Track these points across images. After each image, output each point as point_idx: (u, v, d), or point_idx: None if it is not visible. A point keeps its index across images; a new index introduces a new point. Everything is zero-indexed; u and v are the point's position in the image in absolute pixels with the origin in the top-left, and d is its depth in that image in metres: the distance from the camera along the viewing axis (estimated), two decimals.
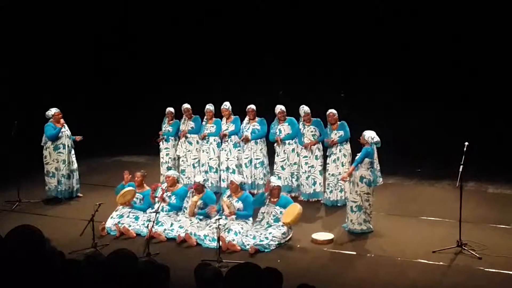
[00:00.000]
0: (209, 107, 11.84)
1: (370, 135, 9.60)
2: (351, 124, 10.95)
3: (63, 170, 11.52)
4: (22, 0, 14.55)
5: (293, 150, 11.30)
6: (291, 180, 11.33)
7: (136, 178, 10.41)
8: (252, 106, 11.56)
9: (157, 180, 11.79)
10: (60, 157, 11.50)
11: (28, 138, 12.07)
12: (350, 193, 9.79)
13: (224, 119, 11.71)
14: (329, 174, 11.00)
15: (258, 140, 11.49)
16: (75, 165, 11.70)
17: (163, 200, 10.08)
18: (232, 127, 11.60)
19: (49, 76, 15.08)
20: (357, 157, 9.63)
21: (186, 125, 11.88)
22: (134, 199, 10.29)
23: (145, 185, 10.50)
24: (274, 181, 9.78)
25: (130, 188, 10.25)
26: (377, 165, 9.66)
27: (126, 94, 16.18)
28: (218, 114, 11.85)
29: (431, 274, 8.23)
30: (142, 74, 16.10)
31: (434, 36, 13.52)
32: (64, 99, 13.64)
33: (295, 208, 9.34)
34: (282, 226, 9.35)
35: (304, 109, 11.15)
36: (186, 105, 11.96)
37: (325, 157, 11.15)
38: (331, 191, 11.01)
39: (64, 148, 11.51)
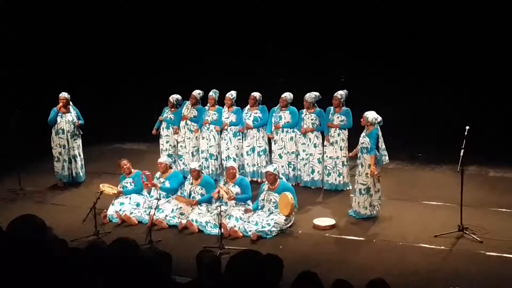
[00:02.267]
0: (212, 94, 11.79)
1: (373, 116, 9.57)
2: (351, 108, 10.95)
3: (64, 155, 11.62)
4: None
5: (291, 138, 11.28)
6: (288, 169, 11.33)
7: (124, 167, 10.43)
8: (254, 94, 11.51)
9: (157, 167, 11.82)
10: (60, 142, 11.59)
11: (29, 126, 12.06)
12: (359, 175, 9.72)
13: (225, 108, 11.66)
14: (327, 156, 11.01)
15: (260, 128, 11.47)
16: (75, 151, 11.74)
17: (153, 185, 10.10)
18: (233, 117, 11.56)
19: (51, 64, 15.06)
20: (367, 145, 9.48)
21: (189, 111, 11.84)
22: (125, 184, 10.35)
23: (132, 169, 10.53)
24: (268, 168, 9.76)
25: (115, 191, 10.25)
26: (382, 144, 9.58)
27: (126, 80, 16.14)
28: (220, 102, 11.83)
29: (433, 258, 8.26)
30: (143, 60, 16.04)
31: (434, 20, 13.44)
32: (65, 86, 13.63)
33: (286, 198, 9.27)
34: None
35: (307, 96, 11.10)
36: (195, 92, 11.91)
37: (323, 137, 11.13)
38: (329, 174, 11.02)
39: (63, 133, 11.57)
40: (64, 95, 11.62)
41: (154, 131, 12.12)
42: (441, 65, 13.56)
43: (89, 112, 12.15)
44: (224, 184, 9.84)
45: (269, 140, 11.56)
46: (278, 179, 9.68)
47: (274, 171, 9.59)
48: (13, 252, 3.75)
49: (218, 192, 9.65)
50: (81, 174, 11.90)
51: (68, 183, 11.72)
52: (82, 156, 11.88)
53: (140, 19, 15.99)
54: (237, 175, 10.00)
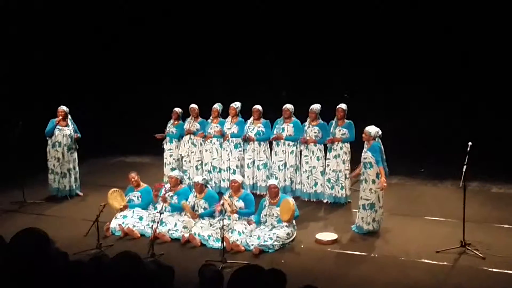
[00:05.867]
0: (216, 106, 11.85)
1: (375, 130, 9.56)
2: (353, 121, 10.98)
3: (57, 168, 11.62)
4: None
5: (292, 152, 11.31)
6: (288, 182, 11.36)
7: (132, 180, 10.43)
8: (258, 107, 11.56)
9: (160, 180, 11.82)
10: (56, 155, 11.61)
11: (32, 138, 12.09)
12: (363, 191, 9.69)
13: (229, 118, 11.71)
14: (330, 169, 11.02)
15: (262, 142, 11.50)
16: (71, 164, 11.74)
17: (164, 200, 10.11)
18: (235, 129, 11.60)
19: (52, 76, 15.12)
20: (370, 160, 9.43)
21: (192, 125, 11.89)
22: (132, 197, 10.34)
23: (141, 182, 10.53)
24: (272, 181, 9.77)
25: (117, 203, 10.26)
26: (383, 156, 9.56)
27: (130, 93, 16.20)
28: (224, 115, 11.87)
29: (435, 274, 8.23)
30: (146, 73, 16.10)
31: (435, 33, 13.48)
32: (68, 99, 13.67)
33: (288, 204, 9.31)
34: (287, 226, 9.38)
35: (314, 107, 11.13)
36: (193, 105, 11.96)
37: (325, 150, 11.16)
38: (332, 187, 11.03)
39: (59, 146, 11.59)
40: (63, 108, 11.68)
41: (158, 135, 12.11)
42: (444, 80, 13.59)
43: (93, 125, 12.18)
44: (229, 197, 9.87)
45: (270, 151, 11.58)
46: (279, 194, 9.71)
47: (277, 185, 9.64)
48: (16, 265, 3.76)
49: (222, 205, 9.67)
50: (74, 187, 11.89)
51: (69, 195, 11.75)
52: (77, 169, 11.88)
53: (143, 31, 16.07)
54: (242, 190, 10.00)
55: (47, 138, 11.62)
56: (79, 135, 11.78)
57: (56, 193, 11.74)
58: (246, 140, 11.50)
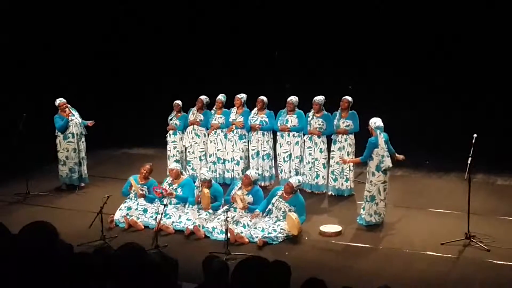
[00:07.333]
0: (220, 97, 11.83)
1: (373, 120, 9.55)
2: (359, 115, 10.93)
3: (75, 158, 11.66)
4: None
5: (297, 143, 11.28)
6: (293, 174, 11.33)
7: (143, 171, 10.40)
8: (262, 97, 11.52)
9: (164, 172, 11.80)
10: (70, 146, 11.64)
11: (36, 130, 12.10)
12: (366, 183, 9.72)
13: (234, 109, 11.68)
14: (334, 161, 10.99)
15: (265, 132, 11.47)
16: (83, 153, 11.82)
17: (170, 194, 10.09)
18: (240, 119, 11.57)
19: (58, 66, 15.10)
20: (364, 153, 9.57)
21: (196, 116, 11.88)
22: (139, 191, 10.30)
23: (149, 176, 10.50)
24: (292, 181, 9.67)
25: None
26: (384, 151, 9.40)
27: (134, 86, 16.18)
28: (227, 106, 11.86)
29: (440, 266, 8.23)
30: (149, 66, 16.07)
31: (442, 27, 13.43)
32: (73, 90, 13.67)
33: (291, 220, 9.18)
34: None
35: (317, 98, 11.10)
36: (203, 96, 11.94)
37: (329, 143, 11.12)
38: (335, 179, 11.00)
39: (73, 137, 11.62)
40: (63, 100, 11.66)
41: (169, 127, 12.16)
42: (449, 72, 13.53)
43: (97, 117, 12.15)
44: (239, 190, 9.85)
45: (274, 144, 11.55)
46: (296, 192, 9.63)
47: (295, 187, 9.53)
48: (23, 258, 3.76)
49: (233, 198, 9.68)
50: (87, 176, 11.97)
51: (77, 185, 11.78)
52: (85, 158, 11.94)
53: (149, 24, 16.04)
54: (253, 185, 9.91)
55: (59, 134, 11.62)
56: (92, 121, 11.82)
57: (69, 182, 11.77)
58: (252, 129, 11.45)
